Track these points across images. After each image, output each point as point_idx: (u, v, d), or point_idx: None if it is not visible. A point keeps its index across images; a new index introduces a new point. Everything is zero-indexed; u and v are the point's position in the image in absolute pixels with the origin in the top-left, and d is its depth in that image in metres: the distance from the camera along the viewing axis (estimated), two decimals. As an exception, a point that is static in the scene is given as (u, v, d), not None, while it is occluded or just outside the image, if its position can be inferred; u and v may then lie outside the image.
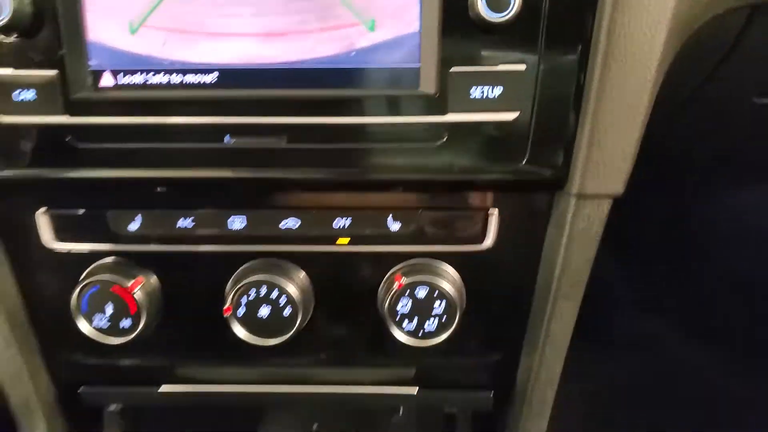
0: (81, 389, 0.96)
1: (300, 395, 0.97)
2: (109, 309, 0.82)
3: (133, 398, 0.99)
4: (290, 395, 0.97)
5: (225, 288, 0.84)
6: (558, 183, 0.76)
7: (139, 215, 0.82)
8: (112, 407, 1.01)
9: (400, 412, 1.01)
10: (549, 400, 0.93)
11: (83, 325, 0.84)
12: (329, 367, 0.95)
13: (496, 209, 0.82)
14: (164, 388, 0.97)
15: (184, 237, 0.83)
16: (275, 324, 0.83)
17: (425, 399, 0.96)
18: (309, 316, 0.85)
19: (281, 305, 0.82)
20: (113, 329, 0.83)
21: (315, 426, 1.38)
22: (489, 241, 0.83)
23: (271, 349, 0.86)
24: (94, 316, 0.83)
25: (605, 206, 0.79)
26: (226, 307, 0.82)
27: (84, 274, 0.83)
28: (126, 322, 0.83)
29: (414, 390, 0.96)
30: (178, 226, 0.82)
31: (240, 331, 0.84)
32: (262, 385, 0.97)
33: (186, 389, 0.97)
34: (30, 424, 0.95)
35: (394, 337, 0.84)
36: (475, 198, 0.82)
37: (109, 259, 0.84)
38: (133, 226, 0.83)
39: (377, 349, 0.91)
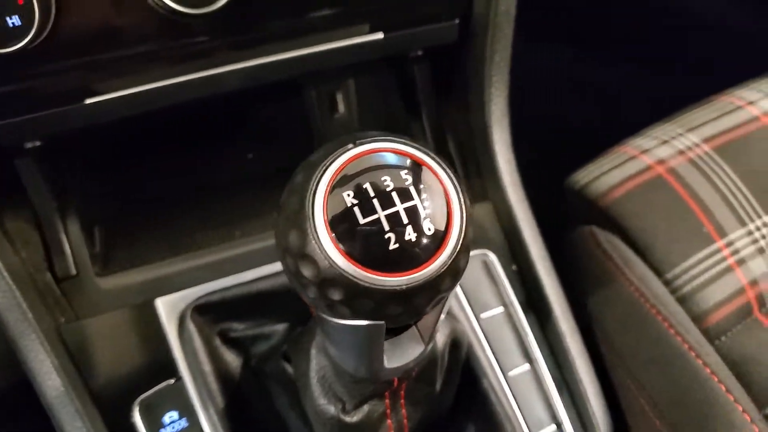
0: None
1: (256, 68, 0.83)
2: None
3: (55, 122, 0.78)
4: (243, 71, 0.83)
5: None
6: None
7: None
8: (29, 145, 0.83)
9: None
10: (511, 18, 0.90)
11: None
12: (282, 38, 0.83)
13: None
14: (90, 99, 0.78)
15: None
16: None
17: (391, 42, 0.90)
18: None
19: None
20: None
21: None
22: None
23: (205, 27, 0.74)
24: None
25: None
26: None
27: None
28: (14, 19, 0.64)
29: (380, 35, 0.89)
30: None
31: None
32: (207, 70, 0.81)
33: (118, 94, 0.79)
34: None
35: None
36: None
37: None
38: None
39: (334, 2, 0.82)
